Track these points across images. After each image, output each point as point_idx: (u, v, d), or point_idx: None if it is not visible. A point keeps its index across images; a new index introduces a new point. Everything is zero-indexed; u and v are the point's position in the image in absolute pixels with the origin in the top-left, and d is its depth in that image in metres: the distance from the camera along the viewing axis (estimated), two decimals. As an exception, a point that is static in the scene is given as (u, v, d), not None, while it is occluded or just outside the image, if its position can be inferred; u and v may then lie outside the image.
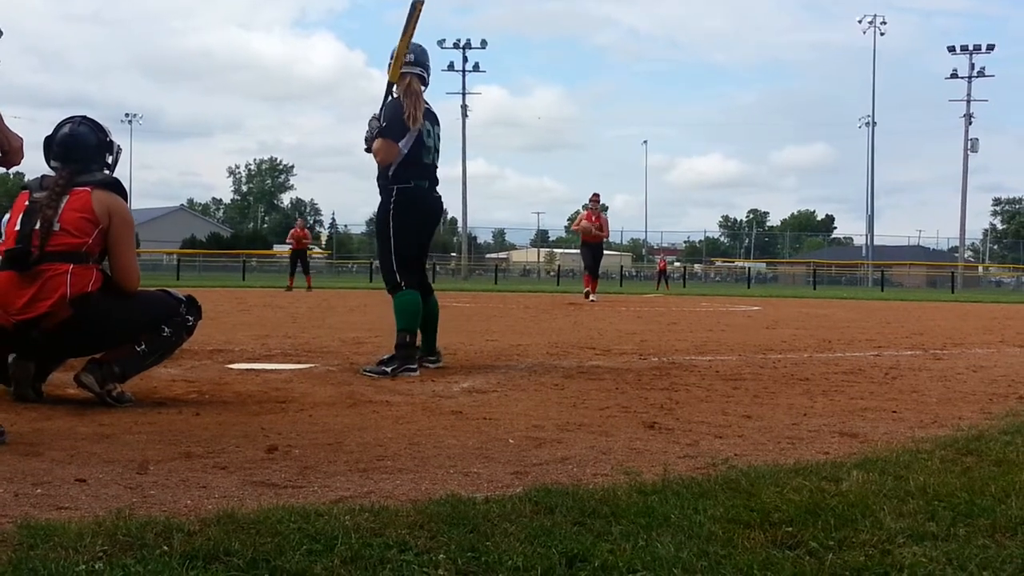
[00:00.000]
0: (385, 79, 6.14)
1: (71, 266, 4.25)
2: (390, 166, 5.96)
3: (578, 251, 20.45)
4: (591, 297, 18.48)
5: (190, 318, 4.65)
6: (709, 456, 3.36)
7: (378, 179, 6.10)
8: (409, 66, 6.01)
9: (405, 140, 5.90)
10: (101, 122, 4.66)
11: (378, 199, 6.09)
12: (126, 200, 4.55)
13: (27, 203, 4.36)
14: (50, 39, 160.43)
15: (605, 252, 19.92)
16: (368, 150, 6.08)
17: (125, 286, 4.46)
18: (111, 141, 4.65)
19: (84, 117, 4.62)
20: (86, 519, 2.32)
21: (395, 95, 6.03)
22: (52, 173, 4.47)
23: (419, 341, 6.19)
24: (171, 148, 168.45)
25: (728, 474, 2.97)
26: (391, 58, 6.04)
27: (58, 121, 4.61)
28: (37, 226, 4.26)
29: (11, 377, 4.36)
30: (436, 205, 6.23)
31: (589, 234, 18.86)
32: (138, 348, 4.43)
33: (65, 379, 4.67)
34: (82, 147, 4.51)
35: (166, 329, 4.52)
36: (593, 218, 18.92)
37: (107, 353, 4.36)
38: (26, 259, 4.21)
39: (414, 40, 6.11)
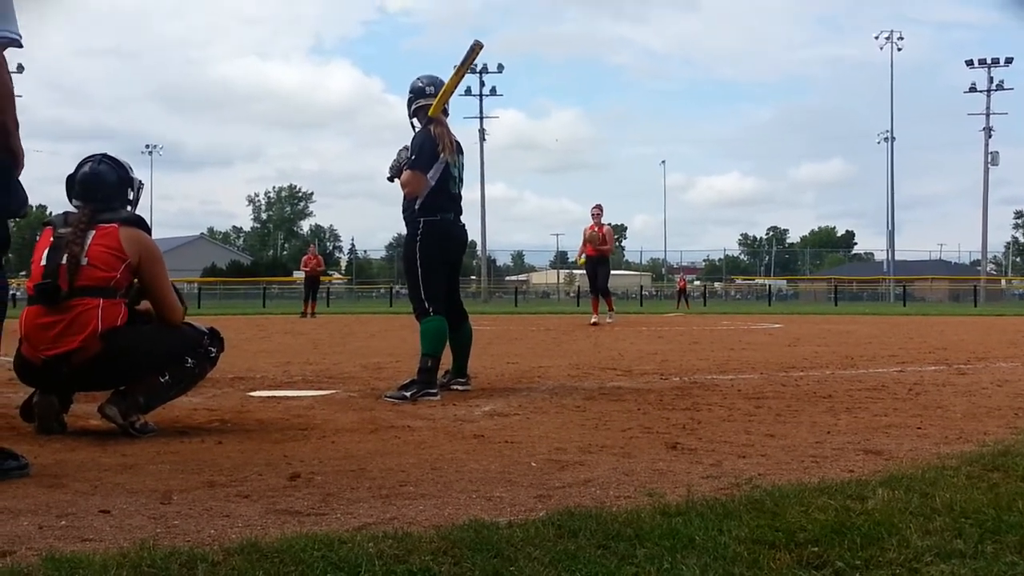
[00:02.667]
0: (403, 108, 6.25)
1: (101, 301, 4.28)
2: (416, 198, 6.01)
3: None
4: (609, 318, 17.62)
5: (213, 349, 4.68)
6: (733, 476, 3.34)
7: (403, 211, 6.17)
8: (428, 98, 6.10)
9: (433, 171, 5.96)
10: (122, 158, 4.70)
11: (401, 228, 6.19)
12: (149, 235, 4.58)
13: (52, 239, 4.40)
14: (70, 73, 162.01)
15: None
16: (391, 179, 6.16)
17: (171, 320, 4.57)
18: (132, 177, 4.69)
19: (104, 155, 4.66)
20: (111, 551, 2.33)
21: (422, 125, 6.10)
22: (74, 211, 4.51)
23: (450, 364, 6.27)
24: (191, 178, 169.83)
25: (752, 494, 2.95)
26: (412, 92, 6.16)
27: (79, 156, 4.67)
28: (64, 261, 4.29)
29: (35, 414, 4.39)
30: (461, 235, 6.30)
31: (594, 243, 17.38)
32: (162, 379, 4.44)
33: (88, 410, 4.69)
34: (103, 185, 4.54)
35: (189, 360, 4.55)
36: (598, 229, 17.51)
37: (131, 384, 4.38)
38: (56, 294, 4.24)
39: (431, 73, 6.24)
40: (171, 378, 4.48)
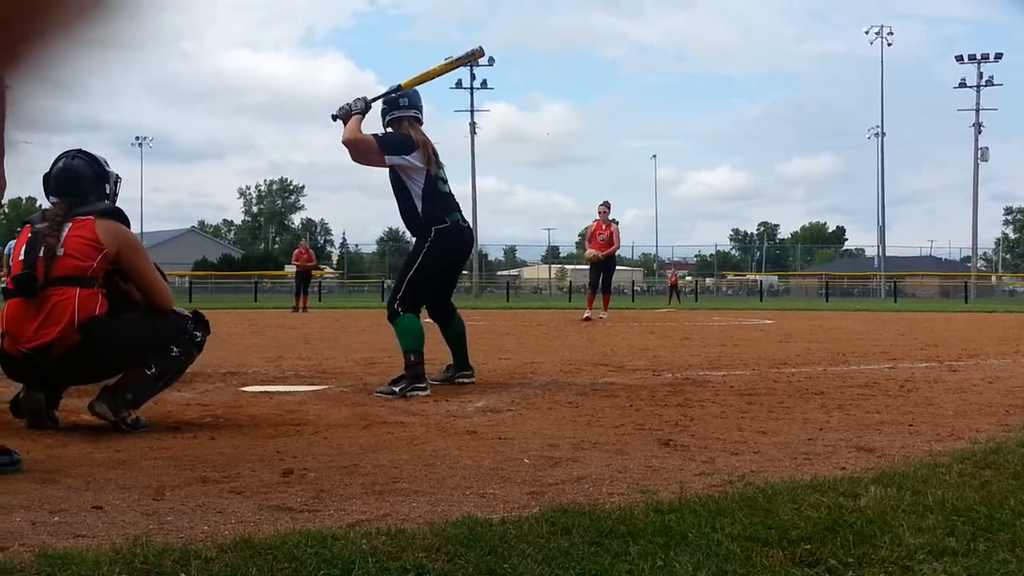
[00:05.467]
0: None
1: (77, 290, 4.27)
2: (417, 211, 5.99)
3: (588, 266, 18.74)
4: (602, 314, 17.60)
5: (198, 334, 4.63)
6: (725, 473, 3.35)
7: (409, 225, 6.19)
8: (403, 109, 6.11)
9: (416, 176, 5.95)
10: (104, 151, 4.72)
11: (393, 221, 6.30)
12: (128, 226, 4.57)
13: (30, 235, 4.40)
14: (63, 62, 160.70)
15: (617, 267, 18.60)
16: (335, 118, 6.11)
17: (163, 307, 4.56)
18: (108, 172, 4.67)
19: (79, 150, 4.64)
20: (103, 547, 2.32)
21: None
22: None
23: (450, 359, 6.33)
24: (182, 170, 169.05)
25: (745, 491, 2.96)
26: (387, 104, 6.18)
27: (62, 151, 4.66)
28: (41, 253, 4.29)
29: (23, 410, 4.37)
30: (470, 239, 6.31)
31: (597, 257, 17.52)
32: (148, 372, 4.40)
33: (80, 405, 4.68)
34: (78, 179, 4.54)
35: (175, 349, 4.50)
36: (603, 227, 17.52)
37: (118, 380, 4.36)
38: (32, 285, 4.24)
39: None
40: (157, 370, 4.43)
